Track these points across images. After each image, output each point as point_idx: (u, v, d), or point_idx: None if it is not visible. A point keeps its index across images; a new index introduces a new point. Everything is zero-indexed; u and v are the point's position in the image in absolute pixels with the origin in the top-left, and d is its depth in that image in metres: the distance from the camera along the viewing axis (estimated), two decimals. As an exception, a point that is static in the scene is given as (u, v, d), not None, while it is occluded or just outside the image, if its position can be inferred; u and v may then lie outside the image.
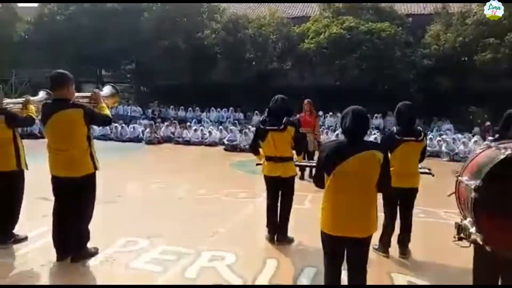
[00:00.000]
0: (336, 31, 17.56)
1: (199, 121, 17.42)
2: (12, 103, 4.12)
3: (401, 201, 3.89)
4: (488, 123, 16.80)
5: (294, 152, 4.47)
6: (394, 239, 3.99)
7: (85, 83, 22.63)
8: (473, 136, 14.13)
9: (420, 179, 4.04)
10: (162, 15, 19.43)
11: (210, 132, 14.22)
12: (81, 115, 3.43)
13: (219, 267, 3.65)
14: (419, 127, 3.92)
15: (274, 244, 4.24)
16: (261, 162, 4.40)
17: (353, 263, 2.64)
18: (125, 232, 4.46)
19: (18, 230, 4.18)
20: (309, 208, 5.72)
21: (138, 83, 23.04)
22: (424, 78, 18.04)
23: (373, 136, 14.10)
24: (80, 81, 23.16)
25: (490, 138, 10.69)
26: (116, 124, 14.59)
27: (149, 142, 14.03)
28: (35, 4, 21.52)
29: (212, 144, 13.86)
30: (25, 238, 4.13)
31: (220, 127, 14.97)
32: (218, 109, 18.47)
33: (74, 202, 3.53)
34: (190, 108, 18.65)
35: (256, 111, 18.28)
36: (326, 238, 2.63)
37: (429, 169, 4.23)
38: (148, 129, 14.54)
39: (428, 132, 15.21)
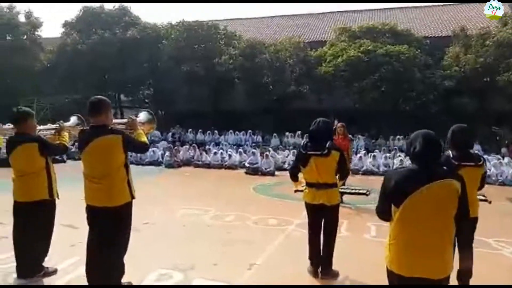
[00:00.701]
0: (354, 54, 17.53)
1: (217, 144, 17.36)
2: (44, 130, 4.01)
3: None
4: (515, 142, 16.35)
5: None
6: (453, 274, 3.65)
7: (105, 108, 22.95)
8: (503, 158, 13.65)
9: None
10: (181, 42, 19.74)
11: (229, 155, 14.07)
12: (120, 141, 3.28)
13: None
14: (476, 151, 3.64)
15: (318, 278, 3.94)
16: (301, 188, 4.17)
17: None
18: (156, 263, 4.23)
19: (46, 261, 3.99)
20: (346, 236, 5.41)
21: (156, 107, 23.23)
22: (445, 99, 17.74)
23: (398, 158, 13.75)
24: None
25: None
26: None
27: (169, 166, 13.94)
28: (58, 34, 22.12)
29: (232, 167, 13.68)
30: (55, 271, 3.94)
31: (240, 149, 14.82)
32: (237, 132, 18.39)
33: (110, 233, 3.32)
34: (208, 132, 18.63)
35: (275, 134, 18.20)
36: (396, 280, 2.35)
37: (484, 196, 3.92)
38: (168, 153, 14.47)
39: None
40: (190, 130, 18.97)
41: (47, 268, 3.89)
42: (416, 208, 2.26)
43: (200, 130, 18.84)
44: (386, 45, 17.75)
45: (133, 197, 3.43)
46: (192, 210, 7.01)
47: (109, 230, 3.31)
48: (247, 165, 12.82)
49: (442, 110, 17.77)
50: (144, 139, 3.57)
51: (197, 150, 15.03)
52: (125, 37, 20.00)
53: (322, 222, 4.01)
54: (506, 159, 12.66)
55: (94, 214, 3.34)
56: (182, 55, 19.37)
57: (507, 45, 16.73)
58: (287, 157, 14.02)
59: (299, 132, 18.12)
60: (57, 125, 4.07)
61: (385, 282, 3.82)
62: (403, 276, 2.31)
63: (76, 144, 4.51)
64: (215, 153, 14.37)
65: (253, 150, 13.68)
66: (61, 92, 20.96)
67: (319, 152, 3.84)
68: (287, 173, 12.87)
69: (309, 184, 3.97)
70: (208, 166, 13.89)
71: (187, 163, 14.45)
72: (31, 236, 3.70)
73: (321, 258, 3.98)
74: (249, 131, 18.41)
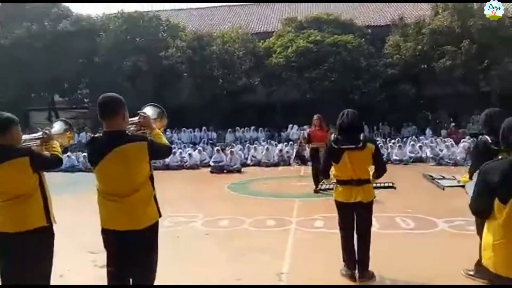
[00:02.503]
0: (303, 45, 17.62)
1: (170, 143, 16.47)
2: (28, 140, 3.23)
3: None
4: (453, 124, 17.70)
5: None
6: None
7: (36, 111, 20.77)
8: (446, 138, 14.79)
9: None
10: (120, 35, 18.37)
11: (190, 155, 13.39)
12: (145, 149, 2.72)
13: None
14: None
15: (356, 282, 3.70)
16: (325, 187, 3.89)
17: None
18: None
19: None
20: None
21: (95, 107, 21.45)
22: (388, 87, 18.55)
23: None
24: (29, 109, 21.23)
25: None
26: (84, 153, 13.28)
27: (123, 170, 12.89)
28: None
29: (194, 167, 13.06)
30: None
31: (199, 148, 14.20)
32: (190, 129, 17.63)
33: (138, 262, 2.76)
34: (159, 131, 17.61)
35: (230, 129, 17.77)
36: (504, 283, 2.16)
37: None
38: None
39: (406, 138, 15.60)
40: (138, 129, 17.76)
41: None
42: None
43: (149, 129, 17.74)
44: (333, 35, 18.07)
45: (160, 215, 2.88)
46: (177, 218, 6.41)
47: (136, 258, 2.75)
48: (211, 163, 12.28)
49: (386, 97, 18.60)
50: (165, 140, 3.03)
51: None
52: (56, 30, 18.12)
53: (355, 221, 3.76)
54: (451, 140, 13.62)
55: (117, 240, 2.74)
56: (123, 48, 18.07)
57: (441, 33, 17.92)
58: (249, 151, 13.74)
59: (253, 127, 17.96)
60: (43, 133, 3.32)
61: (412, 274, 3.72)
62: None
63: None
64: (173, 153, 13.56)
65: (217, 148, 13.14)
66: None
67: (353, 146, 3.56)
68: (253, 169, 12.63)
69: (342, 182, 3.68)
70: (167, 167, 13.08)
71: (142, 165, 13.54)
72: (29, 275, 2.96)
73: (357, 259, 3.73)
74: (203, 127, 17.77)
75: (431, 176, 4.02)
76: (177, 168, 13.02)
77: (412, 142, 13.71)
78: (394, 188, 3.85)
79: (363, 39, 18.60)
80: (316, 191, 4.28)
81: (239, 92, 18.69)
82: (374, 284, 3.68)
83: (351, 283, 3.70)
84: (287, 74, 17.97)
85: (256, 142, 15.83)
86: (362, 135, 3.62)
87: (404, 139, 15.17)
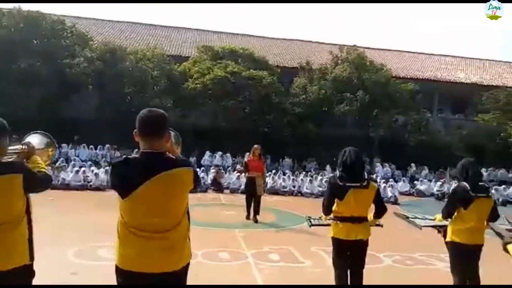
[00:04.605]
0: (221, 74, 17.81)
1: (66, 160, 14.66)
2: (9, 153, 2.49)
3: (475, 258, 3.86)
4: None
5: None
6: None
7: None
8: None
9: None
10: (15, 33, 16.01)
11: (96, 174, 12.04)
12: (192, 176, 2.33)
13: None
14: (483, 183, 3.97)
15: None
16: (323, 222, 3.88)
17: None
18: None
19: None
20: (311, 265, 5.26)
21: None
22: (295, 124, 19.79)
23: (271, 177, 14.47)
24: None
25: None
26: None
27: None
28: None
29: (100, 188, 11.76)
30: None
31: (107, 167, 12.90)
32: (91, 146, 15.94)
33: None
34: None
35: (136, 149, 16.53)
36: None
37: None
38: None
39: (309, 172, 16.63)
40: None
41: None
42: None
43: (40, 143, 15.50)
44: (248, 69, 18.70)
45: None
46: (113, 249, 5.59)
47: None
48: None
49: (292, 133, 19.79)
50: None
51: (49, 168, 12.31)
52: None
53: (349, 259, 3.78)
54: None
55: (144, 285, 2.23)
56: (17, 49, 15.72)
57: (340, 82, 20.09)
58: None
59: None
60: (22, 146, 2.62)
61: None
62: None
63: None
64: (76, 171, 12.04)
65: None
66: None
67: (358, 184, 3.64)
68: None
69: (342, 219, 3.69)
70: (67, 187, 11.52)
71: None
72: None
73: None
74: (107, 145, 16.26)
75: (406, 216, 4.26)
76: (80, 188, 11.59)
77: (320, 177, 14.67)
78: (381, 226, 3.96)
79: (275, 77, 19.65)
80: (311, 225, 4.16)
81: (149, 112, 17.74)
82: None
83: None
84: (203, 100, 17.83)
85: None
86: (365, 173, 3.74)
87: (309, 173, 16.16)
